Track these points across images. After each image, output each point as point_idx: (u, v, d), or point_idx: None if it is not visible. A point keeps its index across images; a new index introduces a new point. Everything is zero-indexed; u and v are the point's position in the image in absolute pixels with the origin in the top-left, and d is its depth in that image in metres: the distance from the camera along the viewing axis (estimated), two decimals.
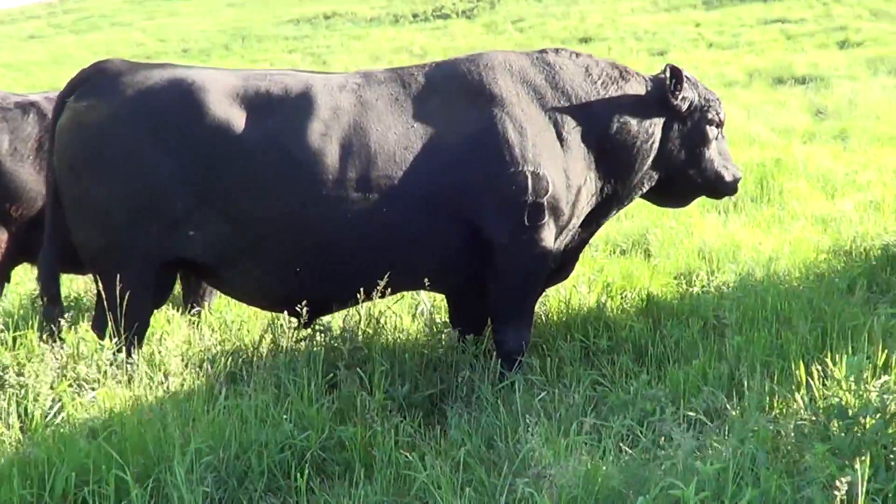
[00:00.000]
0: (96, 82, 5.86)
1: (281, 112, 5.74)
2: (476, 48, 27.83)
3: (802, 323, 6.16)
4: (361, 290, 5.82)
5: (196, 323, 7.03)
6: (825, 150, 13.31)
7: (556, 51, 6.39)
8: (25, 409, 5.29)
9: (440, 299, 7.13)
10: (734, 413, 5.04)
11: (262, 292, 6.00)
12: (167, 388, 5.46)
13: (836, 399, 4.86)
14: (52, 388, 5.36)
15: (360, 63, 26.55)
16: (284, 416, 5.05)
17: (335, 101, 5.80)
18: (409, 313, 6.99)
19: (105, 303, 5.74)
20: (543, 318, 6.84)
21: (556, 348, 6.28)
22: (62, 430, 4.90)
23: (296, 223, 5.68)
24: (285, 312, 6.26)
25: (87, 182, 5.73)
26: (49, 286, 6.06)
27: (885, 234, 8.51)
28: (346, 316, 6.38)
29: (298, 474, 4.57)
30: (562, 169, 5.97)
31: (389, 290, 5.91)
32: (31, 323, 7.03)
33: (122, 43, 35.09)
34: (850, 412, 4.53)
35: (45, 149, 6.54)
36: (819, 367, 5.28)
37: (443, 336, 6.50)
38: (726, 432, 4.80)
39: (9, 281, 7.00)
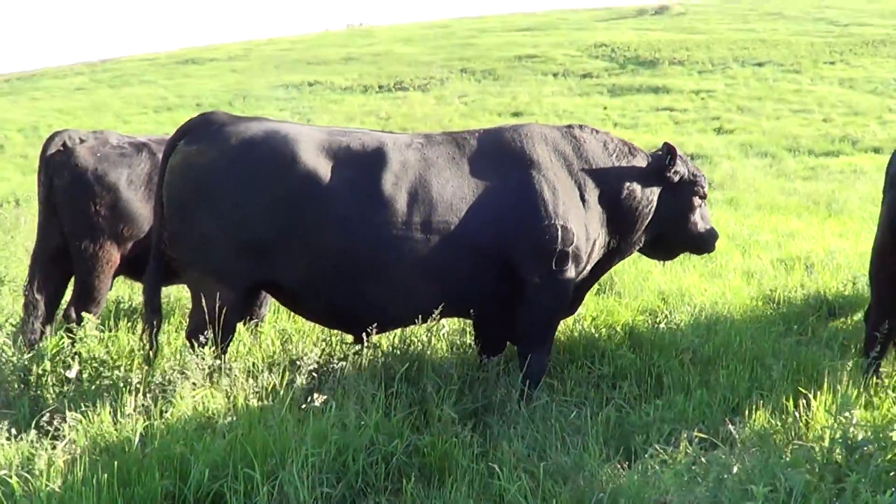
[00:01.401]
0: (204, 130, 5.44)
1: (360, 164, 5.39)
2: (430, 115, 27.65)
3: (773, 361, 5.93)
4: (420, 316, 5.48)
5: (257, 334, 6.58)
6: (726, 215, 13.19)
7: (581, 127, 6.12)
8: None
9: (456, 322, 6.75)
10: (738, 437, 4.76)
11: (333, 314, 5.59)
12: (261, 393, 5.00)
13: (827, 429, 4.60)
14: (194, 389, 4.91)
15: (338, 122, 26.11)
16: (363, 423, 4.64)
17: (404, 157, 5.47)
18: (434, 335, 6.59)
19: (204, 316, 5.31)
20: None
21: (568, 373, 5.96)
22: (194, 428, 4.44)
23: (368, 258, 5.31)
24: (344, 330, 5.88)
25: (194, 215, 5.31)
26: (153, 298, 5.61)
27: (801, 288, 8.37)
28: (392, 335, 6.00)
29: (404, 479, 4.17)
30: (583, 224, 5.71)
31: (440, 316, 5.56)
32: (119, 324, 6.58)
33: (148, 97, 34.25)
34: (852, 443, 4.26)
35: (153, 182, 6.13)
36: (803, 401, 5.02)
37: (468, 356, 6.16)
38: (737, 454, 4.48)
39: (110, 289, 6.50)
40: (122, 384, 5.44)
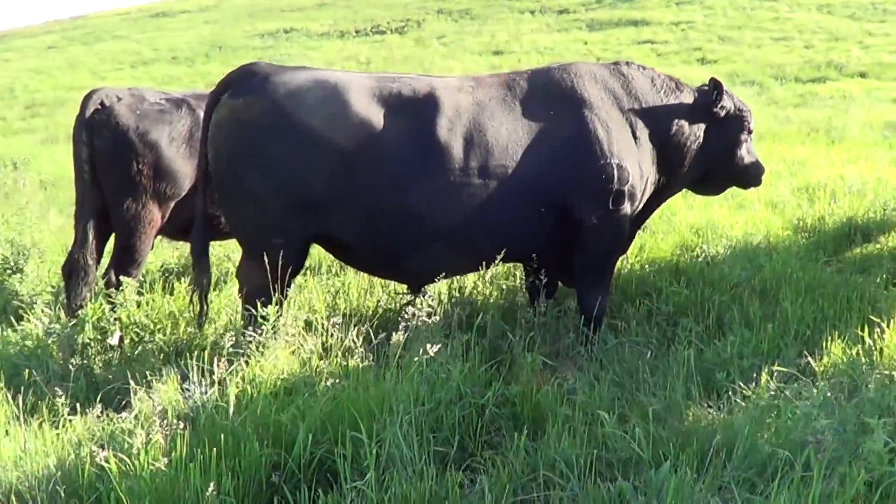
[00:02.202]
0: (248, 81, 5.18)
1: (413, 110, 5.16)
2: (410, 58, 27.21)
3: (824, 291, 5.85)
4: (483, 263, 5.33)
5: (301, 288, 6.40)
6: None
7: (628, 63, 5.93)
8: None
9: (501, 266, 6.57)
10: (819, 369, 4.68)
11: (391, 266, 5.42)
12: (331, 354, 4.81)
13: None
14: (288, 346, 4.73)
15: None
16: (443, 376, 4.47)
17: (456, 101, 5.26)
18: (483, 281, 6.41)
19: (259, 274, 5.10)
20: None
21: (629, 313, 5.84)
22: (284, 393, 4.26)
23: (426, 207, 5.10)
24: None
25: (243, 170, 5.08)
26: (200, 256, 5.41)
27: (831, 216, 8.27)
28: (450, 285, 5.83)
29: (512, 434, 4.02)
30: (637, 162, 5.55)
31: (501, 262, 5.41)
32: (154, 287, 6.38)
33: (122, 52, 33.38)
34: None
35: (194, 139, 5.90)
36: (877, 330, 4.94)
37: (523, 300, 6.02)
38: (821, 387, 4.37)
39: (151, 248, 6.29)
40: (169, 349, 5.28)
